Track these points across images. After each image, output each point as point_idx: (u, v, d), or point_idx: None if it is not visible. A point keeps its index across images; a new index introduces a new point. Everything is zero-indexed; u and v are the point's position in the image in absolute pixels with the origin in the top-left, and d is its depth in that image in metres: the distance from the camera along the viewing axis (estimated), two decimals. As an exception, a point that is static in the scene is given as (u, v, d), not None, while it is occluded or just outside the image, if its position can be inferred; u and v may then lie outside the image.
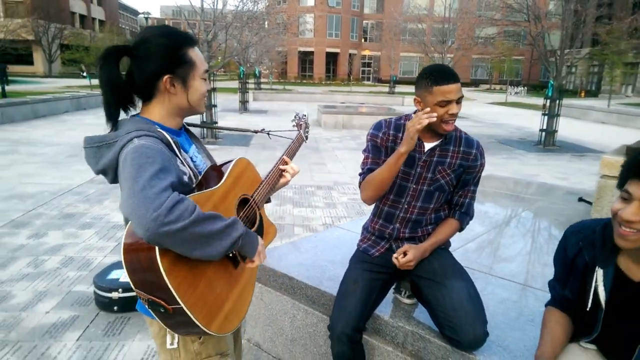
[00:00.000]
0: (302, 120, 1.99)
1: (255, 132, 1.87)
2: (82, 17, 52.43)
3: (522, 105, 27.55)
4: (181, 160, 1.32)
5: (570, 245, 1.53)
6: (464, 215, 2.05)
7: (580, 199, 4.41)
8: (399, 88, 34.15)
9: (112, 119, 1.32)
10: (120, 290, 3.07)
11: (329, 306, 2.34)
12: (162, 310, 1.17)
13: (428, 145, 1.96)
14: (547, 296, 2.41)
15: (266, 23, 17.36)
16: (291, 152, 1.80)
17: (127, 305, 3.08)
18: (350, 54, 53.30)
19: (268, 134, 1.89)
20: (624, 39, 19.93)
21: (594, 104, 23.93)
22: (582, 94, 36.71)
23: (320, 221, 5.36)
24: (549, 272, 2.69)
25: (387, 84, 33.98)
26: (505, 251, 3.01)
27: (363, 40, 56.43)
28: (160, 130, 1.31)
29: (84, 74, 34.68)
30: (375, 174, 1.93)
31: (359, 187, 2.04)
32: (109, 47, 1.31)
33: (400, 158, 1.82)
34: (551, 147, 12.05)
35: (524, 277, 2.61)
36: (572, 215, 3.89)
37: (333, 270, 2.57)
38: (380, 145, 2.01)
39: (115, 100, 1.31)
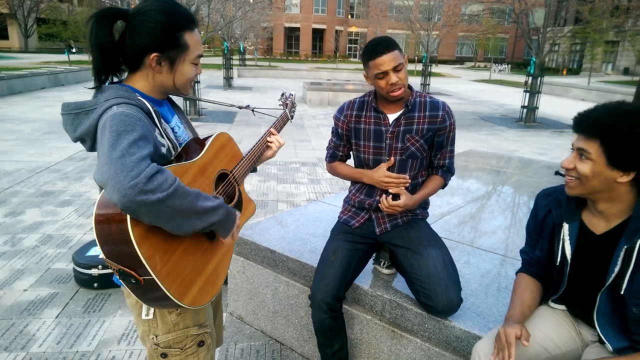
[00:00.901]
0: (289, 99, 2.01)
1: (240, 107, 1.85)
2: (58, -10, 50.44)
3: (506, 83, 27.70)
4: (160, 131, 1.29)
5: (541, 207, 1.62)
6: (446, 173, 2.11)
7: (557, 173, 4.48)
8: (384, 65, 33.81)
9: (99, 82, 1.29)
10: (100, 267, 3.04)
11: (310, 278, 2.36)
12: (134, 282, 1.16)
13: (392, 117, 2.00)
14: (519, 264, 2.49)
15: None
16: (276, 128, 1.80)
17: (107, 282, 3.06)
18: (336, 31, 52.61)
19: (253, 110, 1.89)
20: (606, 17, 20.04)
21: (575, 82, 24.18)
22: (564, 72, 37.03)
23: (304, 197, 5.37)
24: (522, 241, 2.76)
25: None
26: (484, 223, 3.06)
27: (350, 16, 55.64)
28: (141, 99, 1.27)
29: (74, 49, 33.64)
30: (341, 171, 2.18)
31: (325, 163, 2.26)
32: (105, 8, 1.27)
33: (361, 182, 2.09)
34: (532, 123, 12.19)
35: (501, 247, 2.67)
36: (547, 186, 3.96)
37: (314, 242, 2.59)
38: (341, 129, 2.11)
39: (105, 65, 1.27)
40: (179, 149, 1.36)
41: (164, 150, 1.27)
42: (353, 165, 2.18)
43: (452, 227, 2.93)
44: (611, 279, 1.36)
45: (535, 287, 1.65)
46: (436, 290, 1.84)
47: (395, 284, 2.17)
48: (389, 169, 2.02)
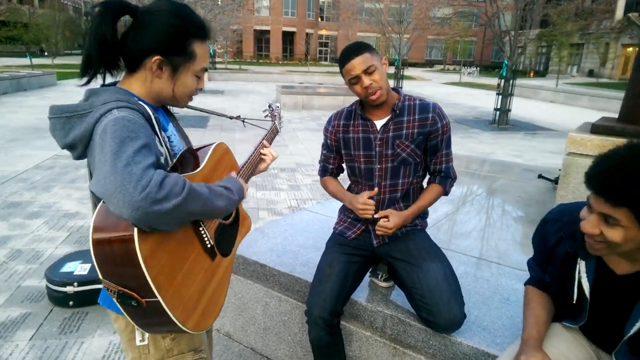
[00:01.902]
0: (276, 111, 1.95)
1: (231, 118, 1.76)
2: (18, -9, 48.64)
3: (476, 85, 28.28)
4: (160, 140, 1.20)
5: (550, 233, 1.49)
6: (445, 179, 2.02)
7: (540, 176, 4.53)
8: (357, 68, 34.00)
9: (88, 75, 1.18)
10: (75, 284, 2.85)
11: (303, 293, 2.26)
12: (134, 304, 1.05)
13: (379, 123, 1.93)
14: (520, 274, 2.47)
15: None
16: (268, 139, 1.73)
17: (84, 300, 2.88)
18: (307, 34, 52.59)
19: (243, 121, 1.79)
20: (572, 20, 20.74)
21: (543, 84, 24.90)
22: (531, 74, 38.14)
23: (285, 204, 5.25)
24: (519, 250, 2.77)
25: (345, 64, 33.63)
26: (473, 230, 3.03)
27: (320, 19, 55.73)
28: (142, 104, 1.17)
29: (46, 53, 32.42)
30: (330, 189, 2.13)
31: (319, 177, 2.20)
32: (114, 0, 1.16)
33: (344, 203, 2.06)
34: (505, 125, 12.43)
35: (494, 255, 2.63)
36: (534, 192, 3.99)
37: (305, 255, 2.49)
38: (330, 140, 2.06)
39: (99, 56, 1.16)
40: (174, 160, 1.26)
41: (162, 159, 1.18)
42: (347, 175, 2.10)
43: (443, 235, 2.89)
44: (632, 331, 1.27)
45: (548, 302, 1.57)
46: (438, 305, 1.77)
47: (395, 298, 2.09)
48: (380, 177, 1.95)
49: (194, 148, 1.37)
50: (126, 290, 1.04)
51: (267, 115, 1.93)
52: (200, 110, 1.61)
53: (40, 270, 3.37)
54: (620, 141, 2.62)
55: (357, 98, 1.96)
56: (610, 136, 2.68)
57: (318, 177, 2.22)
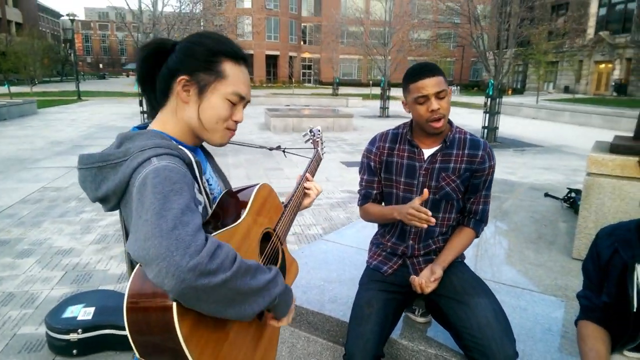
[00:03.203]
0: (318, 136, 1.81)
1: (271, 149, 1.65)
2: (-4, 20, 48.29)
3: (459, 104, 28.75)
4: (200, 187, 1.07)
5: (604, 248, 1.48)
6: (479, 223, 1.92)
7: (547, 194, 4.50)
8: (341, 90, 34.47)
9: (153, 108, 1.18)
10: (79, 330, 2.65)
11: (334, 332, 2.11)
12: None
13: (427, 152, 1.84)
14: (554, 301, 2.37)
15: (202, 25, 16.76)
16: (311, 172, 1.60)
17: (89, 348, 2.67)
18: (290, 57, 53.21)
19: (284, 151, 1.67)
20: (546, 39, 21.40)
21: (523, 101, 25.47)
22: (510, 92, 39.03)
23: (289, 231, 5.10)
24: (549, 275, 2.68)
25: (328, 86, 34.13)
26: (498, 256, 2.94)
27: (302, 42, 56.54)
28: (182, 148, 1.05)
29: (36, 80, 32.00)
30: (373, 212, 1.95)
31: (359, 207, 2.03)
32: (150, 45, 1.14)
33: (393, 219, 1.83)
34: (493, 143, 12.55)
35: (523, 281, 2.53)
36: (545, 211, 3.94)
37: (332, 290, 2.35)
38: (374, 162, 1.93)
39: (145, 87, 1.16)
40: (214, 206, 1.13)
41: (200, 209, 1.04)
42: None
43: (467, 262, 2.78)
44: None
45: (606, 336, 1.49)
46: (491, 346, 1.64)
47: (435, 335, 1.97)
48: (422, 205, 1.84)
49: (235, 190, 1.24)
50: None
51: (308, 141, 1.81)
52: (236, 144, 1.48)
53: (37, 315, 3.14)
54: (642, 160, 2.58)
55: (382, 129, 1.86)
56: (631, 155, 2.64)
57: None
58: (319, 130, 1.84)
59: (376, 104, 21.54)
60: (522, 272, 2.65)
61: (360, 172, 2.01)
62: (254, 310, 0.96)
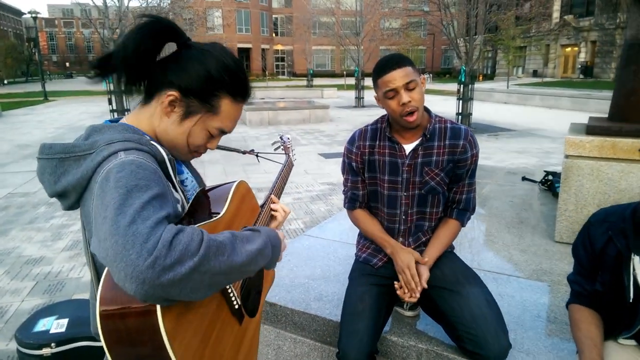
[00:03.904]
0: (289, 143, 1.77)
1: (244, 152, 1.56)
2: (-49, 19, 46.14)
3: (433, 92, 28.98)
4: (175, 185, 1.00)
5: (597, 235, 1.43)
6: (463, 213, 1.87)
7: (524, 178, 4.54)
8: (316, 81, 34.30)
9: (99, 73, 1.00)
10: (53, 345, 2.50)
11: (322, 332, 2.05)
12: None
13: (408, 147, 1.77)
14: (541, 286, 2.37)
15: (171, 18, 16.35)
16: (283, 181, 1.55)
17: (64, 361, 2.53)
18: (262, 49, 52.64)
19: (257, 155, 1.60)
20: (514, 25, 21.73)
21: (494, 86, 25.85)
22: (480, 78, 39.60)
23: (268, 227, 5.01)
24: (533, 260, 2.67)
25: (302, 78, 33.94)
26: (480, 242, 2.93)
27: (274, 34, 55.96)
28: (154, 144, 0.97)
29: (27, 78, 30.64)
30: (365, 228, 1.90)
31: (346, 210, 1.97)
32: (166, 22, 0.99)
33: (385, 251, 1.83)
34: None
35: (509, 267, 2.52)
36: (524, 195, 3.96)
37: (317, 287, 2.29)
38: (355, 163, 1.86)
39: (126, 67, 0.97)
40: (188, 204, 1.06)
41: (178, 207, 0.98)
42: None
43: (453, 250, 2.76)
44: None
45: (599, 320, 1.47)
46: (485, 337, 1.61)
47: (425, 329, 1.92)
48: (407, 205, 1.80)
49: (210, 188, 1.16)
50: None
51: (278, 148, 1.75)
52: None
53: (6, 330, 2.99)
54: (619, 141, 2.60)
55: (371, 119, 1.80)
56: (608, 136, 2.65)
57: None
58: (289, 138, 1.81)
59: (351, 94, 21.51)
60: (507, 258, 2.64)
61: (343, 173, 1.93)
62: (243, 276, 0.94)
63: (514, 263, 2.58)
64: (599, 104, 15.86)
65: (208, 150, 1.12)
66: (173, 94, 0.98)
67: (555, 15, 34.30)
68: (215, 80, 0.99)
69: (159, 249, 0.74)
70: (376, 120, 1.86)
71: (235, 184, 1.14)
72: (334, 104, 20.25)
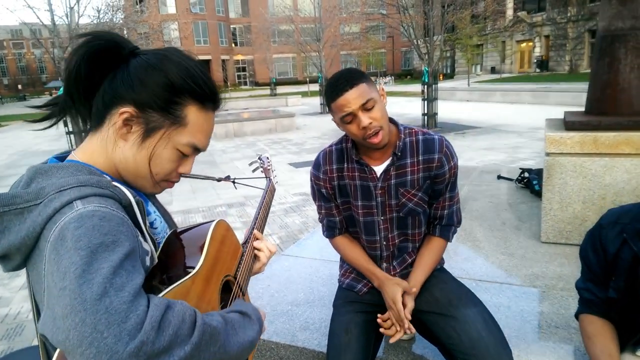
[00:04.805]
0: (268, 163, 1.58)
1: (219, 180, 1.36)
2: None
3: (395, 94, 29.33)
4: (145, 233, 0.81)
5: (610, 238, 1.32)
6: (447, 228, 1.70)
7: (500, 177, 4.50)
8: (279, 89, 34.13)
9: (51, 118, 0.87)
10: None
11: (311, 365, 1.87)
12: None
13: (379, 169, 1.58)
14: (535, 292, 2.27)
15: (125, 33, 15.86)
16: (266, 210, 1.36)
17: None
18: (223, 60, 52.12)
19: (233, 181, 1.40)
20: (471, 24, 22.29)
21: (455, 85, 26.39)
22: (441, 77, 40.46)
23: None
24: (524, 264, 2.55)
25: (265, 87, 33.68)
26: (465, 248, 2.82)
27: (234, 44, 55.51)
28: (117, 185, 0.79)
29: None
30: (349, 258, 1.73)
31: (327, 239, 1.78)
32: (104, 37, 0.82)
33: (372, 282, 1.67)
34: (435, 129, 12.79)
35: (501, 273, 2.42)
36: (502, 194, 3.90)
37: (302, 315, 2.11)
38: (325, 189, 1.66)
39: (69, 98, 0.83)
40: (158, 251, 0.88)
41: (147, 260, 0.80)
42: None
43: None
44: None
45: (614, 332, 1.37)
46: None
47: (423, 352, 1.78)
48: (386, 229, 1.64)
49: (184, 229, 0.97)
50: None
51: (256, 170, 1.56)
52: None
53: (-44, 386, 2.65)
54: (600, 135, 2.54)
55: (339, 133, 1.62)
56: (588, 131, 2.59)
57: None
58: (268, 158, 1.62)
59: (316, 100, 21.45)
60: (496, 264, 2.54)
61: (314, 200, 1.74)
62: None
63: (504, 269, 2.48)
64: (559, 96, 16.36)
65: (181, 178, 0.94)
66: (127, 110, 0.79)
67: (509, 12, 35.48)
68: (177, 86, 0.82)
69: (147, 332, 0.58)
70: (340, 139, 1.66)
71: (213, 225, 0.96)
72: (299, 112, 20.13)
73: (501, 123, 13.45)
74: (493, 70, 37.88)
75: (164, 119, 0.82)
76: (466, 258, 2.65)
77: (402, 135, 1.57)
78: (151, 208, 0.96)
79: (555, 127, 2.86)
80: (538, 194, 3.58)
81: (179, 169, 0.89)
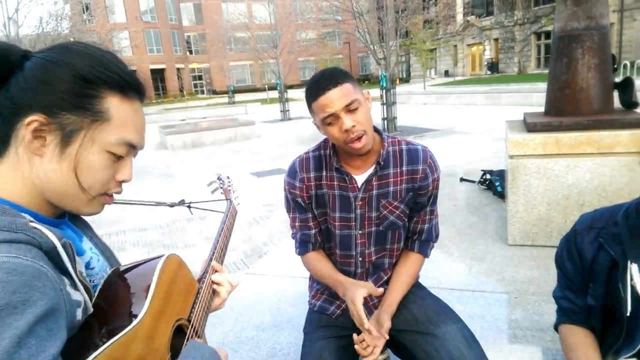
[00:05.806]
0: (229, 184, 1.44)
1: (172, 205, 1.21)
2: None
3: (354, 98, 29.56)
4: (76, 280, 0.67)
5: (586, 244, 1.27)
6: (425, 244, 1.61)
7: (462, 179, 4.52)
8: (238, 97, 33.72)
9: None
10: None
11: (282, 396, 1.73)
12: None
13: (360, 179, 1.48)
14: (507, 299, 2.22)
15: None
16: (226, 237, 1.21)
17: None
18: (178, 69, 51.01)
19: (189, 206, 1.24)
20: (424, 29, 22.88)
21: (411, 89, 26.94)
22: (398, 82, 41.30)
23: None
24: (494, 269, 2.52)
25: (223, 95, 33.23)
26: (436, 254, 2.75)
27: (189, 52, 54.46)
28: (36, 226, 0.63)
29: None
30: (316, 271, 1.59)
31: (299, 255, 1.62)
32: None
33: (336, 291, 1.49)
34: (395, 132, 12.92)
35: (471, 281, 2.37)
36: (466, 197, 3.91)
37: (269, 340, 1.97)
38: (301, 198, 1.53)
39: None
40: (94, 298, 0.73)
41: (79, 312, 0.66)
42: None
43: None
44: None
45: (595, 341, 1.32)
46: None
47: (400, 373, 1.68)
48: (362, 244, 1.53)
49: (126, 268, 0.82)
50: None
51: (215, 191, 1.41)
52: (122, 203, 1.00)
53: None
54: (562, 136, 2.55)
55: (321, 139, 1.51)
56: (550, 132, 2.60)
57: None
58: (228, 177, 1.48)
59: (276, 107, 21.28)
60: (466, 271, 2.49)
61: (288, 211, 1.60)
62: None
63: (474, 275, 2.43)
64: (510, 97, 16.99)
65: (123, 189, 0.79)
66: (34, 119, 0.65)
67: (460, 17, 36.67)
68: (86, 77, 0.68)
69: None
70: (318, 146, 1.55)
71: (162, 261, 0.81)
72: (259, 119, 19.89)
73: (458, 124, 13.76)
74: (447, 73, 38.98)
75: (82, 118, 0.68)
76: (437, 265, 2.59)
77: (386, 144, 1.47)
78: (86, 245, 0.81)
79: (517, 128, 2.87)
80: (501, 195, 3.60)
81: (117, 176, 0.75)
